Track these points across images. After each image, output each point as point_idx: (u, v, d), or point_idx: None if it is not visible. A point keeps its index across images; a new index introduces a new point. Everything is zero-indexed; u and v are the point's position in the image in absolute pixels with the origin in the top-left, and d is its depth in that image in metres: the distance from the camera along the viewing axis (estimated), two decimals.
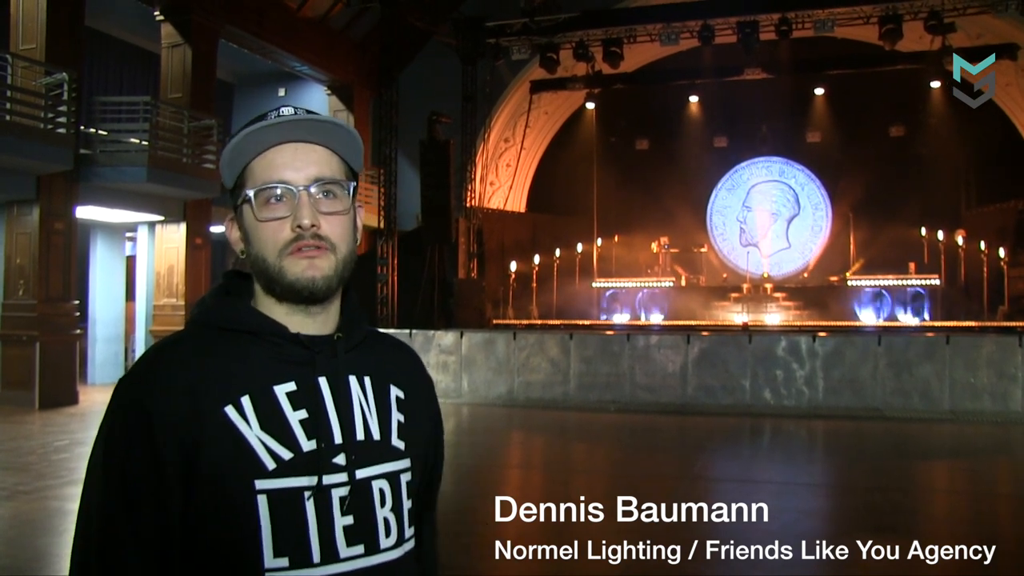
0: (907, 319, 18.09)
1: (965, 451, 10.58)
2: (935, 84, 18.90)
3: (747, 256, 21.53)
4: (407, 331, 14.71)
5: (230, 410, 1.21)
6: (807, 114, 21.22)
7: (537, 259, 19.56)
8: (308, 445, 1.23)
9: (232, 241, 1.32)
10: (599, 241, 21.38)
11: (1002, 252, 17.82)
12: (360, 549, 1.24)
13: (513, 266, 19.06)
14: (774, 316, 18.54)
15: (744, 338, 13.38)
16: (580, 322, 17.95)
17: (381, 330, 1.59)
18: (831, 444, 11.50)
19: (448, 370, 14.41)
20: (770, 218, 22.26)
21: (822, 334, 13.60)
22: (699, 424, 12.33)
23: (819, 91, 20.28)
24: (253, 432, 1.21)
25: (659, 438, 11.60)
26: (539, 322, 17.83)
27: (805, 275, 21.11)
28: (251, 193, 1.26)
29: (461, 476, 8.38)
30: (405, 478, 1.33)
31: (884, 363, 12.51)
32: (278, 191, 1.25)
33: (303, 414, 1.24)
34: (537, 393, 13.93)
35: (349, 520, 1.24)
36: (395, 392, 1.37)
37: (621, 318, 19.53)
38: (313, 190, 1.26)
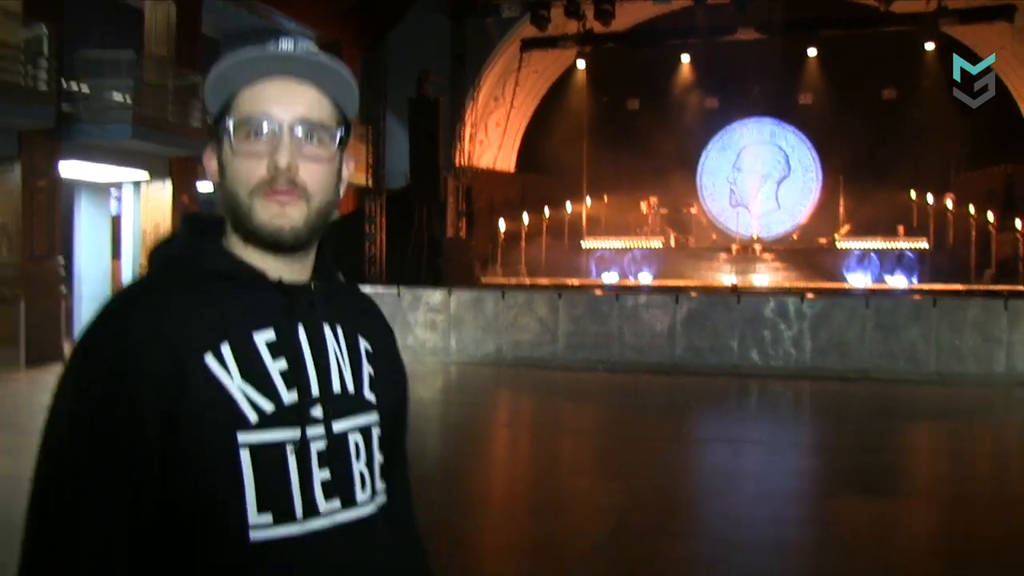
0: (895, 281, 18.12)
1: (950, 413, 10.65)
2: (929, 46, 18.76)
3: (737, 217, 21.48)
4: (395, 289, 14.66)
5: (210, 359, 1.15)
6: (799, 75, 21.07)
7: (526, 218, 19.46)
8: (289, 397, 1.19)
9: (209, 172, 1.25)
10: (588, 201, 21.28)
11: (990, 216, 17.84)
12: (337, 503, 1.21)
13: (502, 225, 18.96)
14: (763, 277, 18.54)
15: (732, 299, 13.38)
16: (569, 281, 17.91)
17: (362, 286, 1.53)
18: (818, 405, 11.56)
19: (436, 328, 14.38)
20: (760, 179, 22.20)
21: (810, 296, 13.61)
22: (687, 384, 12.37)
23: (812, 52, 20.06)
24: (235, 383, 1.16)
25: (648, 398, 11.64)
26: (528, 281, 17.79)
27: (794, 237, 21.09)
28: (231, 123, 1.19)
29: (449, 435, 8.39)
30: (376, 432, 1.30)
31: (871, 325, 12.52)
32: (262, 126, 1.19)
33: (283, 364, 1.19)
34: (526, 352, 13.93)
35: (326, 474, 1.20)
36: (364, 344, 1.33)
37: (610, 278, 19.50)
38: (298, 131, 1.20)
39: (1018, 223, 17.24)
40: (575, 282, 18.07)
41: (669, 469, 7.60)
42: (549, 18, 18.20)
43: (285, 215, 1.19)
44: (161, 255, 1.24)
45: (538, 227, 19.88)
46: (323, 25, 20.19)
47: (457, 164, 19.38)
